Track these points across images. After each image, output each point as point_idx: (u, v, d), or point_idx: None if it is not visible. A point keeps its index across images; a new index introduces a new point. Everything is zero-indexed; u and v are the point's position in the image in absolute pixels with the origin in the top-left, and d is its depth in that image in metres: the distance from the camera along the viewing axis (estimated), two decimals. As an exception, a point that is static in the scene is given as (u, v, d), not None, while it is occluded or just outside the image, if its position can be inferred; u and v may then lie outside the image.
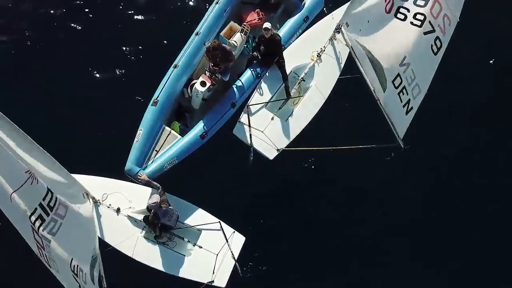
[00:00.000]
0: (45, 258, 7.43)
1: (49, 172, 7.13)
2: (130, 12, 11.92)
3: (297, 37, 10.98)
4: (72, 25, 11.72)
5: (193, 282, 9.10)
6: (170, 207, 9.15)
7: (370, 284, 10.51)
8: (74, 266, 7.46)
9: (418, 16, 8.69)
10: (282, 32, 10.92)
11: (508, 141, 11.52)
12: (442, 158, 11.26)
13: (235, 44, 10.71)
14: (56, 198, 7.24)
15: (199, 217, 9.51)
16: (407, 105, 9.25)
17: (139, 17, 11.92)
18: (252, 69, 10.62)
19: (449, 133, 11.39)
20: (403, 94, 9.17)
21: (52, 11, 11.81)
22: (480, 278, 10.55)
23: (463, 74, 11.71)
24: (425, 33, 8.80)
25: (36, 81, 11.06)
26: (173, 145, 10.02)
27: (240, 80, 10.55)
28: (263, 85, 10.48)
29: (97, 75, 11.36)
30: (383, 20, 8.93)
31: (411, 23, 8.75)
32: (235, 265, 9.24)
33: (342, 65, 10.59)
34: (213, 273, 9.11)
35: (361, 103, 10.30)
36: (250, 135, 10.01)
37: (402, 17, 8.79)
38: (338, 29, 9.87)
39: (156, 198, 8.95)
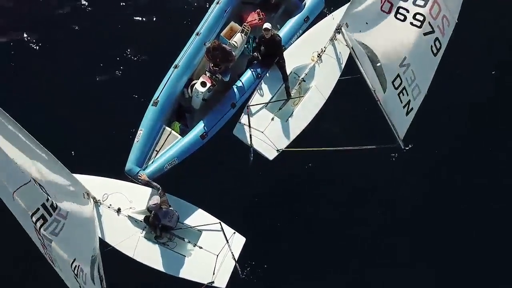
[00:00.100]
0: (49, 256, 7.44)
1: (50, 173, 7.12)
2: (130, 12, 11.90)
3: (298, 38, 10.98)
4: (72, 25, 11.69)
5: (194, 282, 9.10)
6: (170, 208, 9.14)
7: (370, 284, 10.53)
8: (75, 266, 7.45)
9: (418, 17, 8.69)
10: (283, 32, 10.92)
11: (508, 141, 11.54)
12: (442, 158, 11.27)
13: (236, 45, 10.71)
14: (57, 198, 7.24)
15: (200, 218, 9.52)
16: (407, 106, 9.26)
17: (140, 17, 11.90)
18: (252, 70, 10.62)
19: (449, 133, 11.40)
20: (403, 95, 9.17)
21: (52, 11, 11.78)
22: (480, 278, 10.57)
23: (463, 74, 11.71)
24: (424, 34, 8.79)
25: (36, 81, 11.05)
26: (173, 145, 10.01)
27: (241, 81, 10.54)
28: (264, 86, 10.48)
29: (97, 75, 11.33)
30: (383, 20, 8.94)
31: (411, 23, 8.75)
32: (235, 266, 9.24)
33: (343, 66, 10.59)
34: (214, 273, 9.11)
35: (361, 103, 10.34)
36: (250, 135, 10.01)
37: (402, 17, 8.78)
38: (338, 30, 9.89)
39: (157, 199, 8.95)
